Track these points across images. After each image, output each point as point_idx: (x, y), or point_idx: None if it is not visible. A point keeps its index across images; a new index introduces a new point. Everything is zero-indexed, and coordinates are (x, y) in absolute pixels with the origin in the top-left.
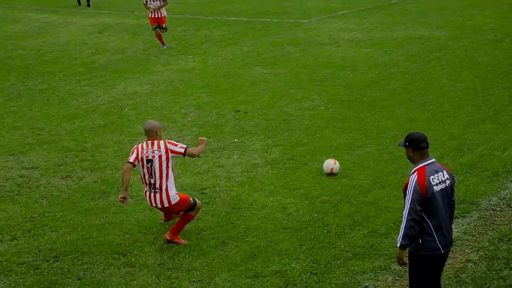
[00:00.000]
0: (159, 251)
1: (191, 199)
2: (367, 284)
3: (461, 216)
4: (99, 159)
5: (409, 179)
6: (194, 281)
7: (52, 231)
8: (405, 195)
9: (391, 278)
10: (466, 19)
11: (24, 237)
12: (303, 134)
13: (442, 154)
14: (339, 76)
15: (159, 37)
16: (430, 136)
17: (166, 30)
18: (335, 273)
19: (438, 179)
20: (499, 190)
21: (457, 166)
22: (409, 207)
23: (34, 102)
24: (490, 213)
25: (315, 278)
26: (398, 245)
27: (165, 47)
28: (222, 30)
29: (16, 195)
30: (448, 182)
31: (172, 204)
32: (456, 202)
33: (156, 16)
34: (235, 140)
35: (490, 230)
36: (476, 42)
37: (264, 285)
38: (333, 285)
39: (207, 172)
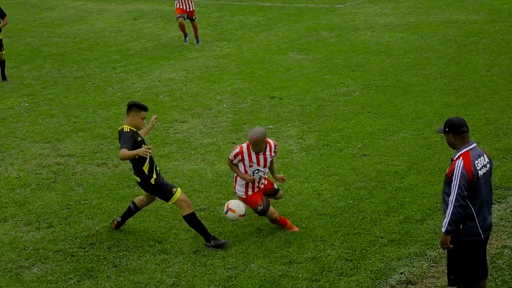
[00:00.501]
0: (194, 238)
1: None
2: (402, 270)
3: (497, 202)
4: None
5: (454, 164)
6: (229, 268)
7: (88, 219)
8: (450, 181)
9: (427, 264)
10: (503, 2)
11: (60, 224)
12: (338, 120)
13: (478, 140)
14: (374, 61)
15: (183, 29)
16: (466, 121)
17: (195, 22)
18: (370, 260)
19: (481, 163)
20: None
21: (493, 151)
22: (457, 193)
23: (70, 89)
24: None
25: (350, 264)
26: (444, 230)
27: (199, 44)
28: (257, 15)
29: (52, 182)
30: (488, 166)
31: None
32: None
33: (185, 9)
34: (270, 126)
35: None
36: None
37: (299, 271)
38: (368, 272)
39: None
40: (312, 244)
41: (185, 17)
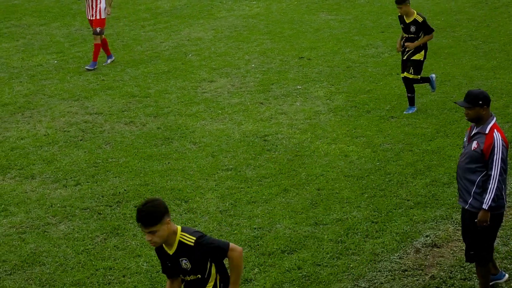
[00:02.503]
0: (221, 197)
1: None
2: (428, 233)
3: None
4: (162, 105)
5: (491, 138)
6: (255, 228)
7: (115, 177)
8: (483, 156)
9: (452, 228)
10: None
11: (87, 182)
12: (367, 82)
13: (507, 103)
14: None
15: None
16: (495, 84)
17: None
18: (396, 222)
19: None
20: None
21: None
22: (501, 166)
23: None
24: None
25: (376, 226)
26: (486, 207)
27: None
28: None
29: (80, 140)
30: None
31: None
32: None
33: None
34: (298, 87)
35: None
36: None
37: (324, 232)
38: (394, 234)
39: (270, 119)
40: (338, 206)
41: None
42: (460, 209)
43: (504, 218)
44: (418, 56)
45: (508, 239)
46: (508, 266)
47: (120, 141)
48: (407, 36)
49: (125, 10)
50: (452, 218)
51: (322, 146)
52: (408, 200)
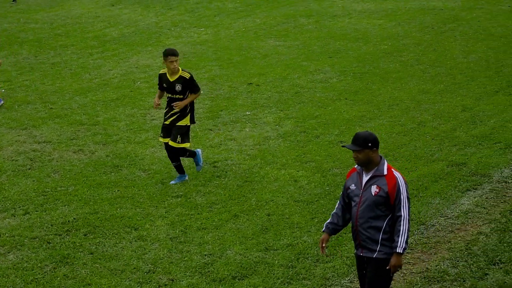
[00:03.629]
0: (171, 224)
1: None
2: None
3: (473, 189)
4: (111, 132)
5: (393, 177)
6: (205, 254)
7: (64, 205)
8: (396, 195)
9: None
10: None
11: (36, 211)
12: (315, 107)
13: (454, 126)
14: (352, 48)
15: None
16: (443, 108)
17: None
18: (346, 246)
19: None
20: (511, 162)
21: (469, 138)
22: (408, 207)
23: (47, 75)
24: (502, 185)
25: (326, 251)
26: (401, 250)
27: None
28: (235, 2)
29: (29, 169)
30: None
31: None
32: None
33: None
34: (247, 113)
35: (501, 202)
36: (490, 13)
37: (275, 258)
38: (344, 258)
39: (219, 146)
40: (289, 231)
41: None
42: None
43: (453, 240)
44: (185, 121)
45: (458, 261)
46: None
47: (69, 169)
48: (171, 96)
49: (72, 38)
50: None
51: (272, 172)
52: None
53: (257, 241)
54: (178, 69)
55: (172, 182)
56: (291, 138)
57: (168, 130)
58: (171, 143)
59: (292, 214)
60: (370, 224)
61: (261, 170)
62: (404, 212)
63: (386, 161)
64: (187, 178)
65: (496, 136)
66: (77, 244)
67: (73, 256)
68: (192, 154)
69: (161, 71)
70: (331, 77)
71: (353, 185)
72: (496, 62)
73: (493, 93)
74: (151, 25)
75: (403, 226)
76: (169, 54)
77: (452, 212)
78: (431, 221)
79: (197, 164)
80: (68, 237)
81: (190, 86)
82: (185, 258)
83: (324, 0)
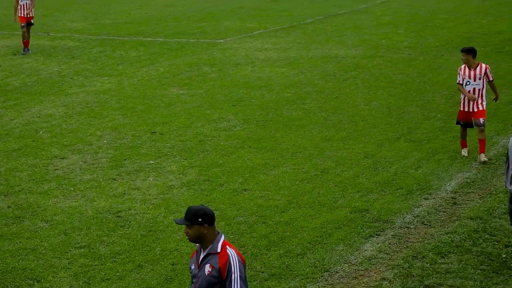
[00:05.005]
0: (74, 276)
1: None
2: None
3: (376, 235)
4: (13, 183)
5: (225, 254)
6: None
7: None
8: (227, 273)
9: None
10: (380, 37)
11: None
12: (219, 155)
13: (357, 173)
14: (255, 96)
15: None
16: (345, 155)
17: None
18: None
19: None
20: (413, 208)
21: (372, 184)
22: (240, 286)
23: None
24: (404, 230)
25: None
26: None
27: (29, 51)
28: (138, 50)
29: None
30: None
31: None
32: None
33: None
34: (151, 162)
35: (404, 248)
36: (390, 61)
37: None
38: None
39: (123, 195)
40: None
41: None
42: None
43: (357, 286)
44: None
45: None
46: None
47: None
48: None
49: None
50: None
51: None
52: (262, 272)
53: None
54: None
55: None
56: (195, 186)
57: None
58: None
59: None
60: None
61: (165, 219)
62: None
63: (224, 237)
64: None
65: (398, 182)
66: None
67: None
68: None
69: None
70: (234, 125)
71: (193, 265)
72: (397, 109)
73: (395, 140)
74: (53, 74)
75: None
76: None
77: (355, 259)
78: (335, 267)
79: None
80: None
81: None
82: None
83: (227, 48)
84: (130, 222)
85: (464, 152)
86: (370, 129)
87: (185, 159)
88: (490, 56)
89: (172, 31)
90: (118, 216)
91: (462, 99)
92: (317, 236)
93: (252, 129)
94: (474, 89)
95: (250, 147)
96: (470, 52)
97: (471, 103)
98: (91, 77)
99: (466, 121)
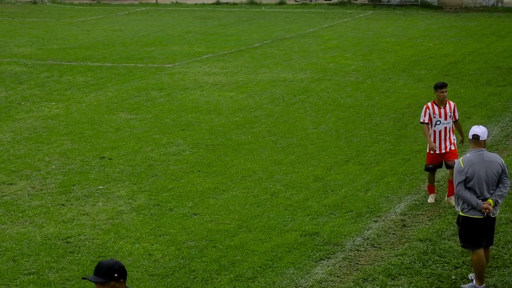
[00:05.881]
0: None
1: None
2: None
3: (326, 258)
4: None
5: None
6: None
7: None
8: None
9: None
10: (328, 61)
11: None
12: (169, 180)
13: (306, 197)
14: (204, 120)
15: None
16: (295, 179)
17: None
18: None
19: None
20: (363, 231)
21: (321, 207)
22: None
23: None
24: (354, 253)
25: None
26: None
27: None
28: (86, 75)
29: None
30: None
31: None
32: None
33: None
34: (100, 187)
35: (354, 270)
36: (338, 84)
37: None
38: None
39: (72, 221)
40: None
41: None
42: None
43: None
44: None
45: None
46: None
47: None
48: None
49: None
50: None
51: (126, 246)
52: None
53: None
54: None
55: None
56: (145, 211)
57: None
58: None
59: None
60: None
61: (115, 244)
62: None
63: None
64: None
65: (347, 205)
66: None
67: None
68: None
69: None
70: (183, 149)
71: None
72: (345, 132)
73: (344, 163)
74: (0, 100)
75: None
76: None
77: (306, 282)
78: None
79: None
80: None
81: None
82: None
83: (176, 73)
84: (79, 248)
85: (431, 199)
86: (319, 152)
87: (135, 184)
88: (436, 79)
89: (120, 55)
90: (67, 242)
91: (432, 139)
92: (267, 260)
93: (201, 153)
94: (445, 128)
95: (199, 171)
96: (446, 87)
97: (442, 143)
98: (38, 102)
99: (436, 164)
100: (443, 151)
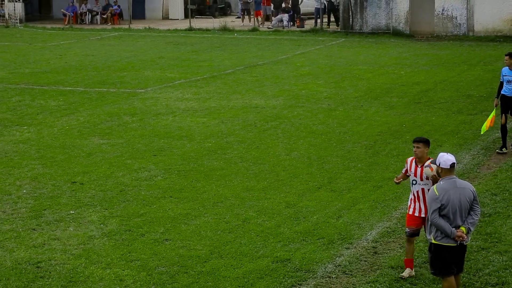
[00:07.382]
0: None
1: None
2: None
3: (298, 284)
4: None
5: None
6: None
7: None
8: None
9: None
10: (300, 88)
11: None
12: (140, 205)
13: (278, 223)
14: (176, 146)
15: None
16: (267, 205)
17: None
18: None
19: None
20: (335, 257)
21: (293, 234)
22: None
23: None
24: (326, 280)
25: None
26: None
27: None
28: (58, 100)
29: None
30: None
31: None
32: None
33: None
34: (71, 212)
35: None
36: (310, 111)
37: None
38: None
39: (43, 245)
40: None
41: None
42: None
43: None
44: None
45: None
46: None
47: None
48: None
49: None
50: None
51: (97, 271)
52: None
53: None
54: None
55: None
56: (116, 236)
57: None
58: None
59: None
60: None
61: (86, 269)
62: None
63: None
64: None
65: (319, 232)
66: None
67: None
68: None
69: None
70: (155, 175)
71: None
72: (318, 159)
73: (316, 190)
74: None
75: None
76: None
77: None
78: None
79: None
80: None
81: None
82: None
83: (148, 98)
84: (50, 273)
85: (408, 273)
86: (291, 179)
87: (106, 209)
88: (408, 106)
89: (92, 80)
90: (38, 267)
91: (411, 199)
92: (239, 286)
93: (173, 179)
94: (422, 189)
95: (171, 197)
96: (427, 144)
97: (422, 206)
98: (10, 126)
99: (414, 230)
100: (422, 215)
